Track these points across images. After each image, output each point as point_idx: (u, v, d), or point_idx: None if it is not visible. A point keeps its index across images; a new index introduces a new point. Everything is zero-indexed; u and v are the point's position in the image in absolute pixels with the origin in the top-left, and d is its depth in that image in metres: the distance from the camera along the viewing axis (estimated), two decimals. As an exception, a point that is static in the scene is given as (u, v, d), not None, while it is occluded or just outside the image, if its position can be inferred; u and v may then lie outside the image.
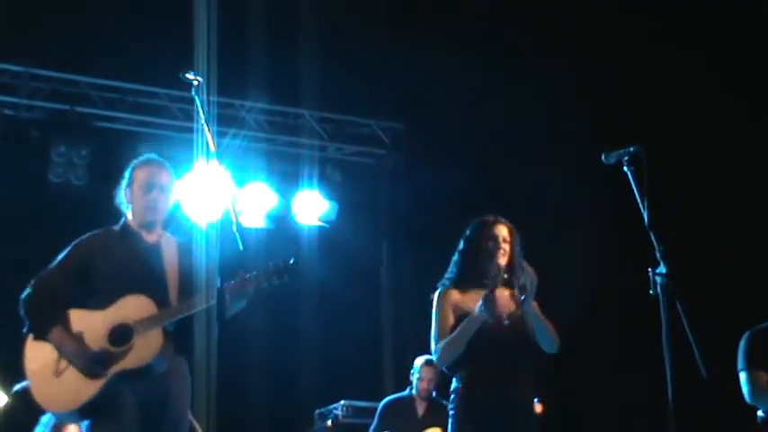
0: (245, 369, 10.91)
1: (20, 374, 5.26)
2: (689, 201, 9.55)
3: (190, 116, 10.69)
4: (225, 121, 11.26)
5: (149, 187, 5.28)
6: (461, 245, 5.87)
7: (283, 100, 11.80)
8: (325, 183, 11.84)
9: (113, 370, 4.97)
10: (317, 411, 10.12)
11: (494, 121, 10.83)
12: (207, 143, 4.53)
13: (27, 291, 5.21)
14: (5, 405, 7.77)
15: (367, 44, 10.74)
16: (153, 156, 5.50)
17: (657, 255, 4.08)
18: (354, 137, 12.36)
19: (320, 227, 11.64)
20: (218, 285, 4.71)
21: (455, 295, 5.73)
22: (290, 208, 11.65)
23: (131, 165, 5.40)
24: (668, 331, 3.93)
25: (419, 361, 8.76)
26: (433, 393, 8.77)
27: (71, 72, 10.86)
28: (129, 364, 4.98)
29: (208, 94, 4.49)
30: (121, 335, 5.02)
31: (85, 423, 5.07)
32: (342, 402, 9.81)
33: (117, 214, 5.49)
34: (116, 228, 5.40)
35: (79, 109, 10.91)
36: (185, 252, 5.33)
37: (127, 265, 5.19)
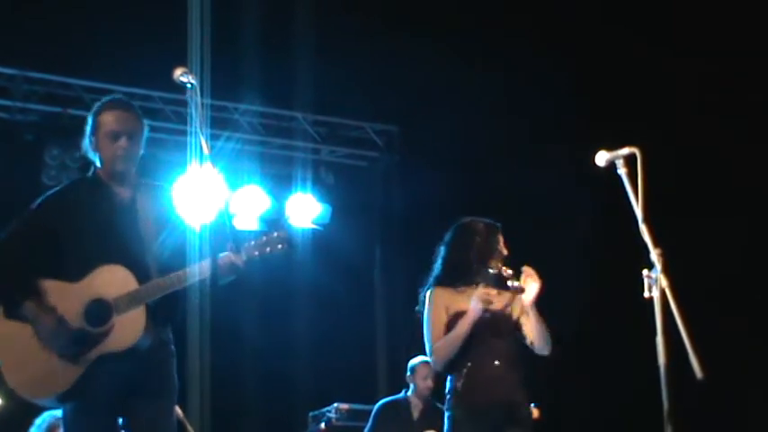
0: (238, 372, 10.90)
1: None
2: (683, 203, 9.56)
3: (183, 119, 10.68)
4: (218, 124, 11.26)
5: (116, 135, 4.76)
6: (467, 240, 5.88)
7: (277, 103, 11.80)
8: (319, 185, 11.84)
9: (94, 354, 4.54)
10: (311, 414, 10.10)
11: (488, 123, 10.83)
12: (200, 146, 4.44)
13: None
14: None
15: (360, 47, 10.74)
16: (118, 97, 5.02)
17: (651, 257, 4.07)
18: (348, 139, 12.36)
19: (313, 230, 11.64)
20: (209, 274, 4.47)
21: (446, 293, 5.77)
22: (283, 211, 11.64)
23: (94, 109, 4.89)
24: (663, 333, 3.94)
25: (416, 361, 8.73)
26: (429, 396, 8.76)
27: (64, 75, 10.85)
28: (111, 347, 4.55)
29: (201, 96, 4.44)
30: (99, 312, 4.56)
31: (64, 408, 4.72)
32: (335, 405, 9.79)
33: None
34: (87, 177, 4.93)
35: (73, 111, 10.89)
36: (162, 199, 4.88)
37: (100, 229, 4.69)
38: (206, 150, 4.39)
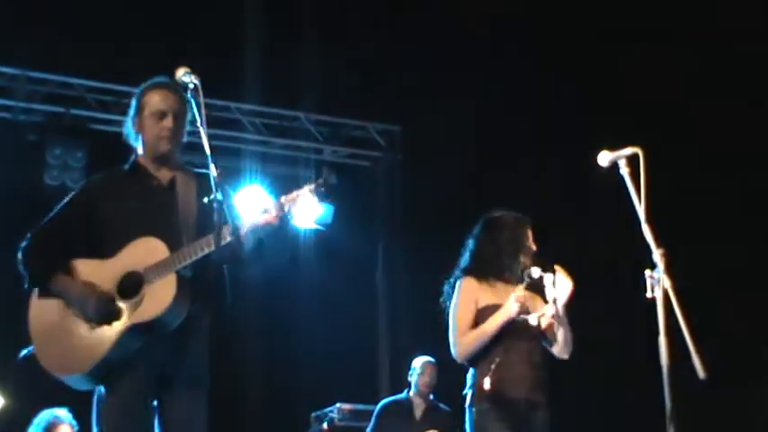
0: (241, 372, 10.89)
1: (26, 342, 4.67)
2: (687, 203, 9.55)
3: (186, 119, 10.68)
4: (220, 124, 11.26)
5: (162, 114, 4.64)
6: (496, 234, 5.84)
7: (279, 102, 11.80)
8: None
9: (124, 325, 4.35)
10: (313, 414, 10.10)
11: (490, 123, 10.83)
12: (202, 146, 4.39)
13: (25, 242, 4.64)
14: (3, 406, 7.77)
15: (363, 46, 10.74)
16: (163, 79, 4.76)
17: (654, 257, 4.07)
18: (350, 139, 12.37)
19: (316, 230, 11.63)
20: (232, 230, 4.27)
21: (476, 285, 5.74)
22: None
23: (139, 90, 4.78)
24: (665, 334, 3.93)
25: (419, 360, 8.77)
26: (431, 396, 8.77)
27: (67, 74, 10.86)
28: (138, 317, 4.35)
29: (203, 96, 4.41)
30: (131, 285, 4.40)
31: (99, 390, 4.47)
32: (337, 405, 9.79)
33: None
34: (125, 167, 4.77)
35: (75, 111, 10.90)
36: (206, 187, 4.50)
37: (136, 209, 4.56)
38: (207, 150, 4.35)
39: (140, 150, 4.73)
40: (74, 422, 7.45)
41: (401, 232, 12.22)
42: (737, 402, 9.28)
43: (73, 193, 4.76)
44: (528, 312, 5.60)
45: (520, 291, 5.51)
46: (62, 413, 7.44)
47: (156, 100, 4.68)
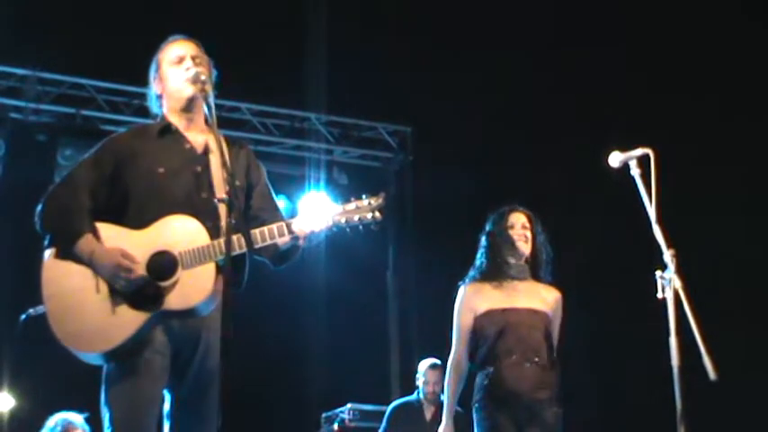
0: (250, 372, 10.89)
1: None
2: (697, 203, 9.53)
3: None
4: (231, 125, 11.27)
5: (180, 58, 4.41)
6: (483, 240, 5.90)
7: (290, 103, 11.81)
8: (332, 186, 11.83)
9: (152, 309, 4.06)
10: (324, 415, 10.10)
11: (500, 123, 10.83)
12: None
13: (42, 201, 4.31)
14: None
15: (374, 47, 10.74)
16: (177, 35, 4.56)
17: (665, 258, 4.06)
18: (361, 140, 12.38)
19: (326, 230, 11.61)
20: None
21: (476, 292, 5.76)
22: (296, 211, 11.62)
23: (155, 55, 4.57)
24: (676, 334, 3.92)
25: (423, 365, 8.76)
26: (441, 397, 8.77)
27: (77, 75, 10.88)
28: (171, 304, 4.06)
29: (214, 97, 4.37)
30: (163, 265, 4.08)
31: (108, 367, 4.16)
32: (348, 406, 9.79)
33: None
34: (154, 123, 4.48)
35: (86, 112, 10.93)
36: (242, 159, 4.43)
37: (167, 177, 4.24)
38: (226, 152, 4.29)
39: (165, 109, 4.47)
40: (86, 427, 7.26)
41: (412, 233, 12.22)
42: (748, 403, 9.25)
43: (99, 145, 4.40)
44: None
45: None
46: (76, 417, 7.21)
47: (171, 48, 4.49)
